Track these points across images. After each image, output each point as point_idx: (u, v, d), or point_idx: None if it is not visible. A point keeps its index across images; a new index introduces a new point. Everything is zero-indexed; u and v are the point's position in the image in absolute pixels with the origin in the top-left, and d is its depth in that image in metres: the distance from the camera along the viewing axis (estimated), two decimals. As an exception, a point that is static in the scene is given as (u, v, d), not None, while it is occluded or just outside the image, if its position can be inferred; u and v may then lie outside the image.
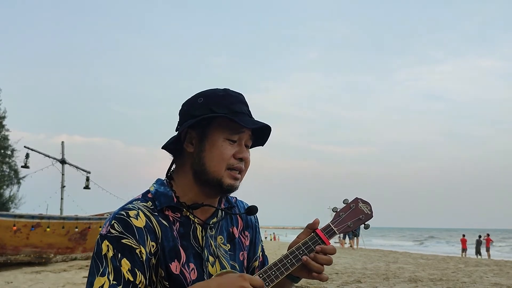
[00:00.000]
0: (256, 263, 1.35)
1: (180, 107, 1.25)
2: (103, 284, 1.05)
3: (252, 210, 1.32)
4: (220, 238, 1.25)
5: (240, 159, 1.19)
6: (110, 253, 1.08)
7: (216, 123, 1.18)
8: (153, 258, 1.12)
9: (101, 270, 1.07)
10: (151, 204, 1.17)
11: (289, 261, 1.18)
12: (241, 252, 1.30)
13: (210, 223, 1.22)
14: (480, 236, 25.27)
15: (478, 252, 24.49)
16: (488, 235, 25.45)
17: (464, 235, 27.21)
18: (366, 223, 1.27)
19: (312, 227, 1.23)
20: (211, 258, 1.19)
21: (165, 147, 1.24)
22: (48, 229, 12.52)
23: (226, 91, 1.21)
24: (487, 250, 24.40)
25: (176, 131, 1.25)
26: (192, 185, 1.20)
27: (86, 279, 1.13)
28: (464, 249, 25.21)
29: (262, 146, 1.29)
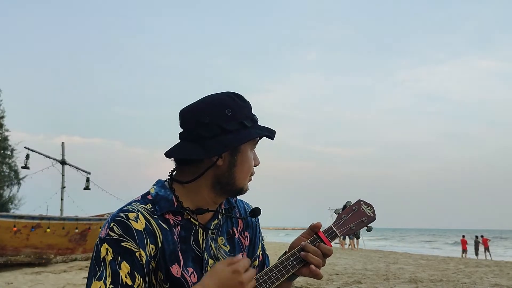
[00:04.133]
0: (256, 263, 1.34)
1: (194, 115, 1.16)
2: None
3: (256, 212, 1.31)
4: (221, 239, 1.24)
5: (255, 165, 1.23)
6: (109, 257, 1.06)
7: None
8: (152, 261, 1.11)
9: (98, 274, 1.05)
10: (150, 206, 1.14)
11: (290, 263, 1.17)
12: (241, 253, 1.28)
13: (212, 225, 1.21)
14: (477, 237, 25.26)
15: (477, 253, 24.46)
16: (482, 236, 25.42)
17: (464, 236, 27.22)
18: (368, 225, 1.26)
19: (314, 229, 1.22)
20: (210, 261, 1.18)
21: (183, 156, 1.16)
22: (48, 230, 12.53)
23: (244, 100, 1.20)
24: (486, 250, 24.37)
25: (190, 139, 1.16)
26: (203, 190, 1.18)
27: (86, 279, 1.11)
28: (464, 250, 25.19)
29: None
